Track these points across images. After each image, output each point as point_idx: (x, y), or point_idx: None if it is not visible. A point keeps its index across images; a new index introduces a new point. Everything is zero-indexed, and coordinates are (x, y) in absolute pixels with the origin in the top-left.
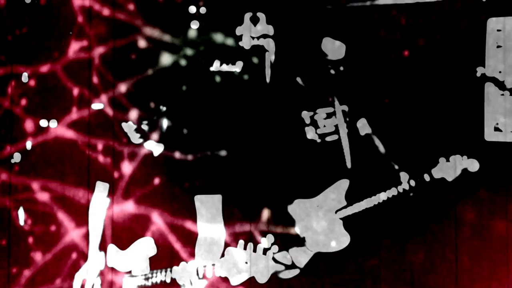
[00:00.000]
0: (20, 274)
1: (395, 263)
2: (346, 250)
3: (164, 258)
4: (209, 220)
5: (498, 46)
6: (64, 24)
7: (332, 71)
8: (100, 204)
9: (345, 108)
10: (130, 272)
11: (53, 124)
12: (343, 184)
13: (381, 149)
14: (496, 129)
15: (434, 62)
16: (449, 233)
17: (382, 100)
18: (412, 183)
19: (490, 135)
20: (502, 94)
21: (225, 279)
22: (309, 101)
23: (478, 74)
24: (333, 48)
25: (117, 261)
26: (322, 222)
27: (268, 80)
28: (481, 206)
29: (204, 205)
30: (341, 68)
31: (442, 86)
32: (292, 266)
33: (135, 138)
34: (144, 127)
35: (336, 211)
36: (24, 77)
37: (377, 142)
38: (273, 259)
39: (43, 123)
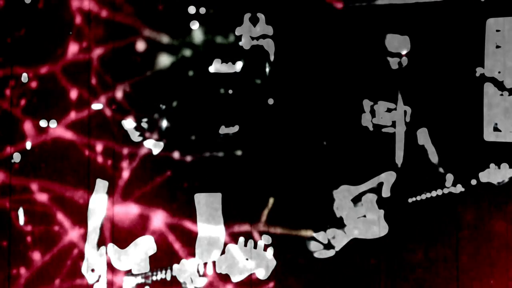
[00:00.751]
0: (19, 275)
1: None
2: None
3: (164, 257)
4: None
5: (497, 47)
6: (63, 25)
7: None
8: (100, 202)
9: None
10: (130, 271)
11: (53, 124)
12: (391, 177)
13: (434, 159)
14: (495, 129)
15: (434, 62)
16: (450, 234)
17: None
18: (459, 187)
19: (489, 135)
20: (501, 94)
21: (226, 276)
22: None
23: (477, 75)
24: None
25: (116, 260)
26: (363, 210)
27: (267, 80)
28: (480, 206)
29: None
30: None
31: (442, 86)
32: (329, 246)
33: (135, 136)
34: (144, 125)
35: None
36: (24, 78)
37: (432, 151)
38: (313, 238)
39: (42, 124)
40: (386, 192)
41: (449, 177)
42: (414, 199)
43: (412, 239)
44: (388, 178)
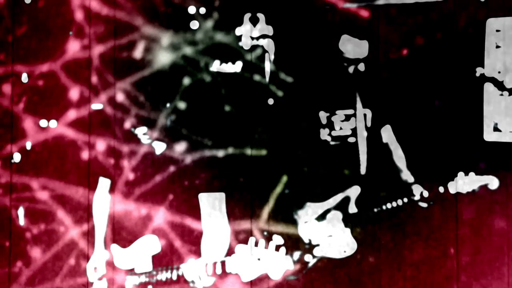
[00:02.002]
0: (20, 273)
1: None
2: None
3: (168, 256)
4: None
5: (498, 46)
6: (64, 23)
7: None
8: (103, 201)
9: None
10: (132, 270)
11: (53, 123)
12: (354, 191)
13: (400, 158)
14: (496, 129)
15: (433, 62)
16: (450, 232)
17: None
18: (425, 194)
19: (489, 135)
20: (501, 94)
21: (236, 276)
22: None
23: (477, 74)
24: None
25: (119, 259)
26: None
27: (267, 80)
28: (481, 206)
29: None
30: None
31: (442, 86)
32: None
33: (145, 139)
34: (146, 123)
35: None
36: (24, 77)
37: (398, 151)
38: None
39: (43, 122)
40: (352, 208)
41: (416, 187)
42: (379, 208)
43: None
44: (353, 192)
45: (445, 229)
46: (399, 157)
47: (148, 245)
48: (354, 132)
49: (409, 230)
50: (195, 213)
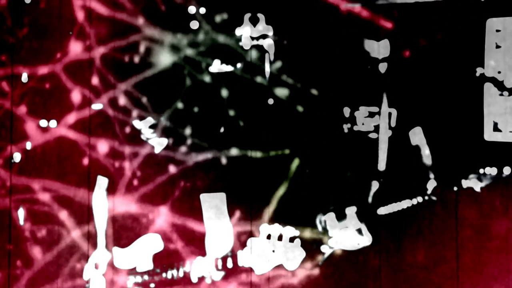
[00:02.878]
0: (21, 274)
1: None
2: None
3: (172, 254)
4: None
5: (498, 46)
6: (65, 24)
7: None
8: (102, 201)
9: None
10: (134, 269)
11: (54, 124)
12: (374, 186)
13: (427, 160)
14: (496, 129)
15: (434, 62)
16: (450, 233)
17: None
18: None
19: (489, 135)
20: (502, 94)
21: (249, 269)
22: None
23: (477, 74)
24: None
25: (121, 258)
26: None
27: (267, 80)
28: (481, 206)
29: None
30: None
31: (442, 87)
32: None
33: (148, 133)
34: (149, 124)
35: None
36: (25, 78)
37: (426, 153)
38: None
39: (43, 123)
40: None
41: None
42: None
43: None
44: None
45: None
46: (426, 157)
47: (150, 244)
48: (376, 129)
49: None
50: (198, 214)
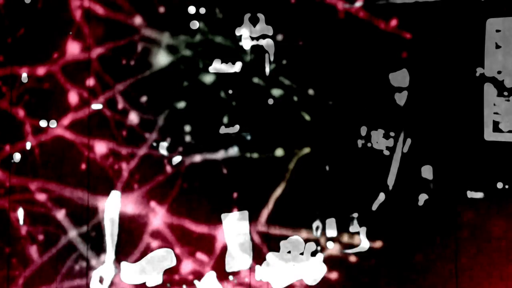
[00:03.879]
0: (19, 275)
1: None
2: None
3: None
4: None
5: (498, 47)
6: (63, 25)
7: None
8: (114, 211)
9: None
10: (144, 284)
11: (52, 124)
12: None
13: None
14: (496, 129)
15: (433, 62)
16: (449, 235)
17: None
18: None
19: (489, 135)
20: (501, 94)
21: (266, 284)
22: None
23: (477, 74)
24: None
25: (129, 272)
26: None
27: (267, 79)
28: (480, 206)
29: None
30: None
31: (442, 87)
32: None
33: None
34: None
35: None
36: (23, 78)
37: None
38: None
39: (42, 123)
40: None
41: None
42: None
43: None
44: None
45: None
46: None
47: (162, 259)
48: (389, 149)
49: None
50: (197, 216)
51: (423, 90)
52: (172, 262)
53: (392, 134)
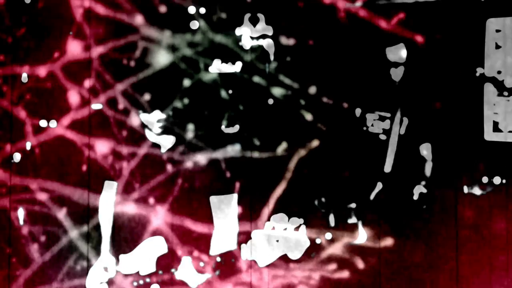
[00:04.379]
0: (19, 275)
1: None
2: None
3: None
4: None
5: (498, 47)
6: (63, 24)
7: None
8: (109, 204)
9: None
10: (137, 273)
11: (53, 124)
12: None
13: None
14: (496, 129)
15: (433, 62)
16: (450, 233)
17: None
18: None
19: (489, 135)
20: (501, 94)
21: (252, 262)
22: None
23: (477, 75)
24: None
25: (125, 262)
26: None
27: (267, 79)
28: (480, 206)
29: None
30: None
31: (442, 87)
32: None
33: (156, 128)
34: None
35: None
36: (24, 78)
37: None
38: None
39: (42, 123)
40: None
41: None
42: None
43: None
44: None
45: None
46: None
47: (154, 247)
48: (386, 132)
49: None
50: (197, 214)
51: (423, 90)
52: (165, 250)
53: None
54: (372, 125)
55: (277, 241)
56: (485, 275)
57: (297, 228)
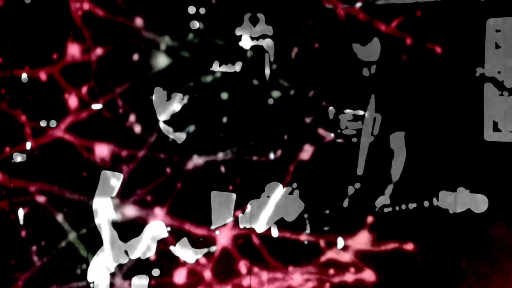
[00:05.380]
0: (19, 278)
1: None
2: None
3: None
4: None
5: (498, 47)
6: (63, 26)
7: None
8: (107, 205)
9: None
10: (138, 258)
11: (52, 126)
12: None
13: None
14: (496, 129)
15: (433, 62)
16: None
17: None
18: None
19: (489, 135)
20: (501, 94)
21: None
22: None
23: (477, 74)
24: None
25: (124, 254)
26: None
27: (267, 79)
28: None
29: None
30: None
31: (442, 88)
32: None
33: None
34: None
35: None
36: (23, 79)
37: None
38: None
39: (42, 125)
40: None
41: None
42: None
43: None
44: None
45: None
46: (398, 164)
47: (154, 231)
48: (358, 133)
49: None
50: (196, 216)
51: (422, 90)
52: (164, 234)
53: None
54: (346, 127)
55: (268, 196)
56: None
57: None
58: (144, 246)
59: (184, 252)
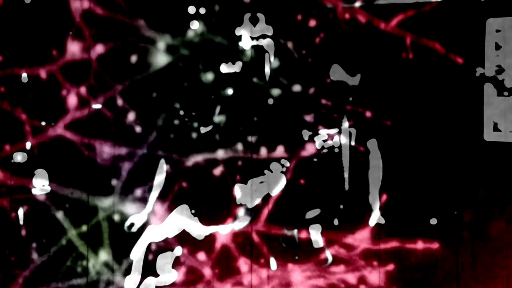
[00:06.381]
0: (19, 275)
1: None
2: None
3: None
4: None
5: (498, 47)
6: (63, 25)
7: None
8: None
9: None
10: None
11: (52, 124)
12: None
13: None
14: (495, 129)
15: (433, 62)
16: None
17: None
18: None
19: (489, 135)
20: (501, 94)
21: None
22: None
23: (477, 74)
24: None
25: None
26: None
27: (267, 80)
28: (480, 206)
29: None
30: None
31: (442, 88)
32: None
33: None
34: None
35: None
36: (23, 78)
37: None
38: None
39: (42, 123)
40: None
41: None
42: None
43: None
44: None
45: None
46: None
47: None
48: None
49: None
50: (198, 216)
51: (422, 90)
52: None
53: None
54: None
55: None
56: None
57: None
58: None
59: None
